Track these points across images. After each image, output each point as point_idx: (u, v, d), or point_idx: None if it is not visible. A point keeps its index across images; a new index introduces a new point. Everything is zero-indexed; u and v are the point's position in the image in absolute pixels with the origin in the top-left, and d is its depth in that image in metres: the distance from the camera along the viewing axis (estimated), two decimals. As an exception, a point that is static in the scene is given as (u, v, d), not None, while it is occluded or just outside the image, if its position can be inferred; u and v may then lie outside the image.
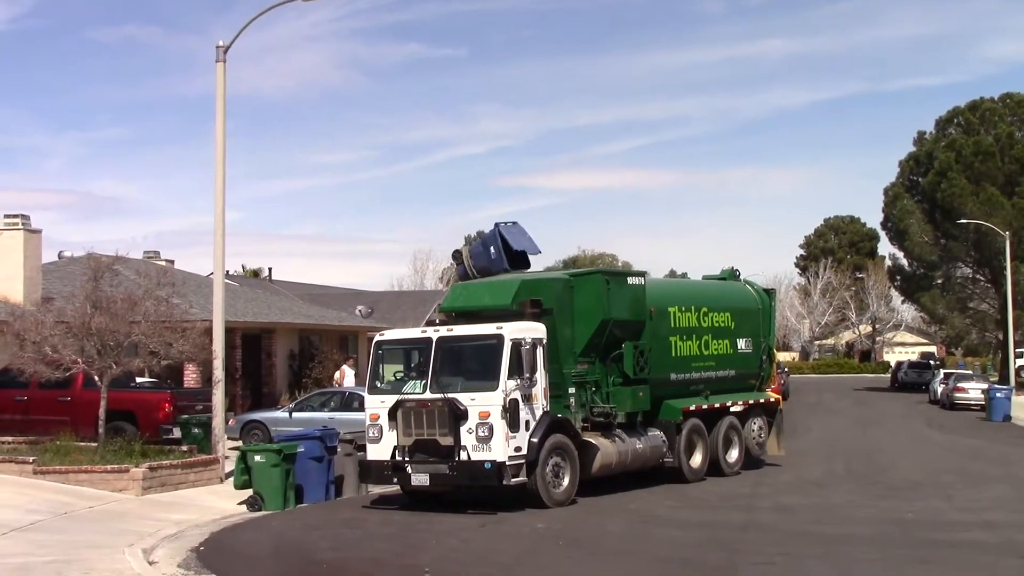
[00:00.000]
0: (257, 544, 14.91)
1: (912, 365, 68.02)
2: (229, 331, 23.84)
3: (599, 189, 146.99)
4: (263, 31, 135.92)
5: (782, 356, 73.08)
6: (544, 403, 17.70)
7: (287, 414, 27.13)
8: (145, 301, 20.72)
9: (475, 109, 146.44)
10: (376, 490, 19.62)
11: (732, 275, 24.71)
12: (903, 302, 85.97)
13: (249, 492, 18.27)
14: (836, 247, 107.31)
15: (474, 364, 17.80)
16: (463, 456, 16.90)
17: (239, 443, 23.73)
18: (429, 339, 17.88)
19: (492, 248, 20.42)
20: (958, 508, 17.95)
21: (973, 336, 79.17)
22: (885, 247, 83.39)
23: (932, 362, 70.72)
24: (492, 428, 16.79)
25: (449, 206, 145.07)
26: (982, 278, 64.94)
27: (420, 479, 17.33)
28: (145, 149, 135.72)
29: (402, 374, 18.44)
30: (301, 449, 18.70)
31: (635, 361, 19.38)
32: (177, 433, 22.85)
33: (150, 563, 13.13)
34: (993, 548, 14.02)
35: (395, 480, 17.80)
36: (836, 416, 42.60)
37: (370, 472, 18.27)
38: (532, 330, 17.80)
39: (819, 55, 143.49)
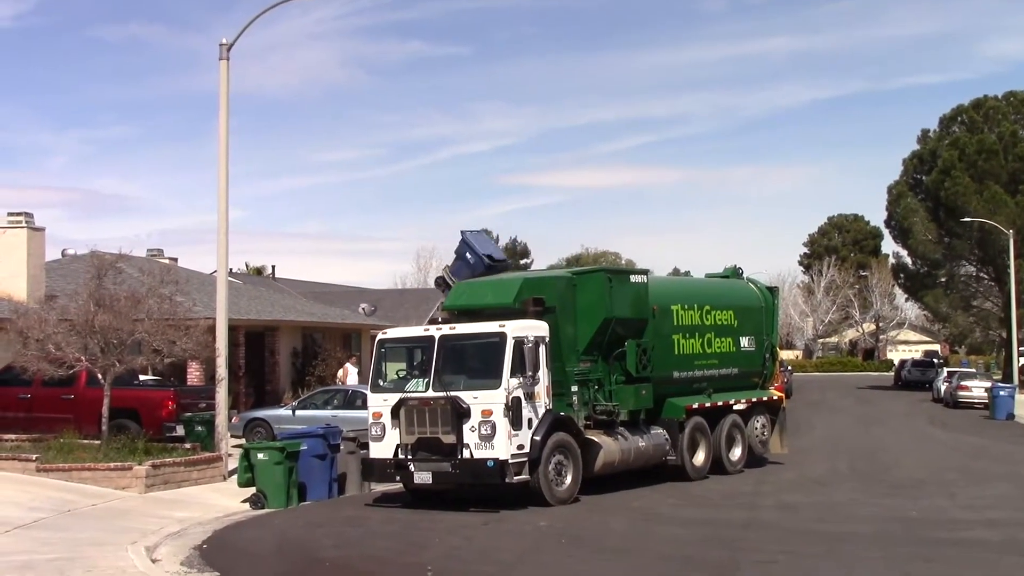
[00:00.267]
0: (260, 542, 14.92)
1: (915, 363, 67.94)
2: (232, 329, 23.86)
3: (602, 187, 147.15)
4: (267, 29, 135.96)
5: (785, 354, 73.12)
6: (547, 401, 17.70)
7: (290, 412, 27.16)
8: (148, 299, 20.75)
9: (478, 107, 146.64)
10: (379, 488, 19.64)
11: (735, 273, 24.70)
12: (907, 300, 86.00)
13: (252, 490, 18.28)
14: (840, 245, 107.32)
15: (477, 362, 17.80)
16: (466, 454, 16.90)
17: (242, 441, 23.76)
18: (432, 337, 17.88)
19: (467, 254, 20.64)
20: (961, 506, 17.93)
21: (977, 334, 79.25)
22: (889, 245, 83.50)
23: (935, 360, 70.62)
24: (495, 426, 16.79)
25: (452, 204, 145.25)
26: (986, 276, 64.90)
27: (423, 477, 17.33)
28: (148, 147, 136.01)
29: (405, 372, 18.44)
30: (304, 447, 18.72)
31: (638, 359, 19.36)
32: (180, 431, 22.88)
33: (153, 561, 13.14)
34: (996, 546, 14.01)
35: (398, 478, 17.79)
36: (839, 414, 42.57)
37: (373, 470, 18.29)
38: (535, 328, 17.80)
39: (822, 53, 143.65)
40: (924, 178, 64.83)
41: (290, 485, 18.24)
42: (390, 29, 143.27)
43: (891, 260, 79.42)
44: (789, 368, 57.31)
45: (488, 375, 17.22)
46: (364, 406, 20.00)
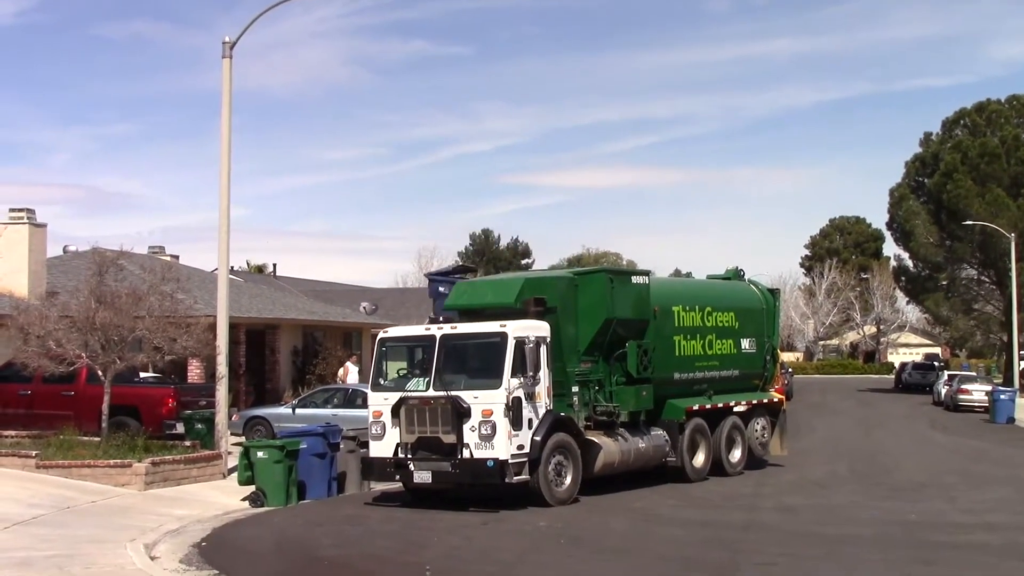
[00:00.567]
0: (259, 540, 14.91)
1: (916, 366, 67.95)
2: (233, 327, 23.88)
3: (604, 187, 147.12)
4: (269, 27, 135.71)
5: (786, 356, 73.02)
6: (547, 402, 17.69)
7: (290, 410, 27.16)
8: (149, 296, 20.75)
9: (480, 107, 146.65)
10: (378, 487, 19.63)
11: (736, 275, 24.70)
12: (908, 303, 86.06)
13: (252, 488, 18.28)
14: (841, 247, 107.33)
15: (477, 362, 17.80)
16: (466, 454, 16.90)
17: (242, 439, 23.77)
18: (433, 336, 17.87)
19: (440, 288, 21.09)
20: (961, 510, 17.92)
21: (977, 338, 79.20)
22: (890, 248, 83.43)
23: (936, 363, 70.60)
24: (495, 426, 16.78)
25: (454, 203, 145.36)
26: (987, 280, 64.92)
27: (422, 476, 17.32)
28: (151, 145, 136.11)
29: (406, 371, 18.44)
30: (304, 445, 18.72)
31: (638, 360, 19.36)
32: (180, 428, 22.88)
33: (152, 558, 13.13)
34: (995, 550, 14.00)
35: (397, 477, 17.79)
36: (839, 417, 42.55)
37: (372, 469, 18.29)
38: (536, 328, 17.79)
39: (825, 55, 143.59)
40: (926, 181, 64.86)
41: (290, 483, 18.24)
42: (392, 28, 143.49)
43: (892, 263, 79.45)
44: (790, 370, 57.28)
45: (489, 375, 17.21)
46: (364, 405, 20.01)
